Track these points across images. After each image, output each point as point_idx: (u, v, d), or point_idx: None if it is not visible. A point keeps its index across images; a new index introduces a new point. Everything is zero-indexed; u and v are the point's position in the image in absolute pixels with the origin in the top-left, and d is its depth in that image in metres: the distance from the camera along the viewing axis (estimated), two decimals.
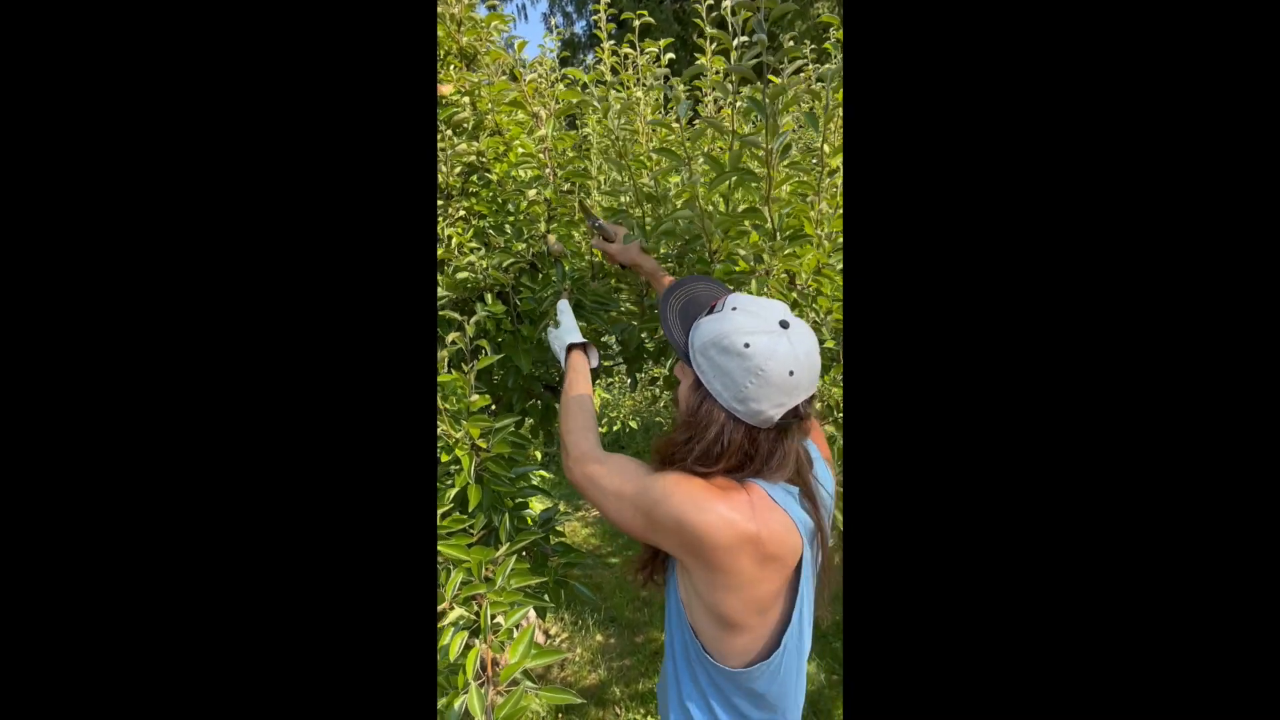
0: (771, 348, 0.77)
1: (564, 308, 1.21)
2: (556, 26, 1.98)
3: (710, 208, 1.14)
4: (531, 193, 1.29)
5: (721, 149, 1.35)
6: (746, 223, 1.13)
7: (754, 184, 1.03)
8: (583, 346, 1.14)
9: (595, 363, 1.17)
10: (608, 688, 2.49)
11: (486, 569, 0.97)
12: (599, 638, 2.86)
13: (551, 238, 1.29)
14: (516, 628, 0.82)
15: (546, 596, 1.00)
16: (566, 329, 1.18)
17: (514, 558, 0.96)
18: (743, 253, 1.09)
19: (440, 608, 0.83)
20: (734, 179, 1.03)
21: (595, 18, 1.71)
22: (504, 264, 1.26)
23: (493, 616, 0.82)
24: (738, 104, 1.15)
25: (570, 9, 10.21)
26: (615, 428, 4.69)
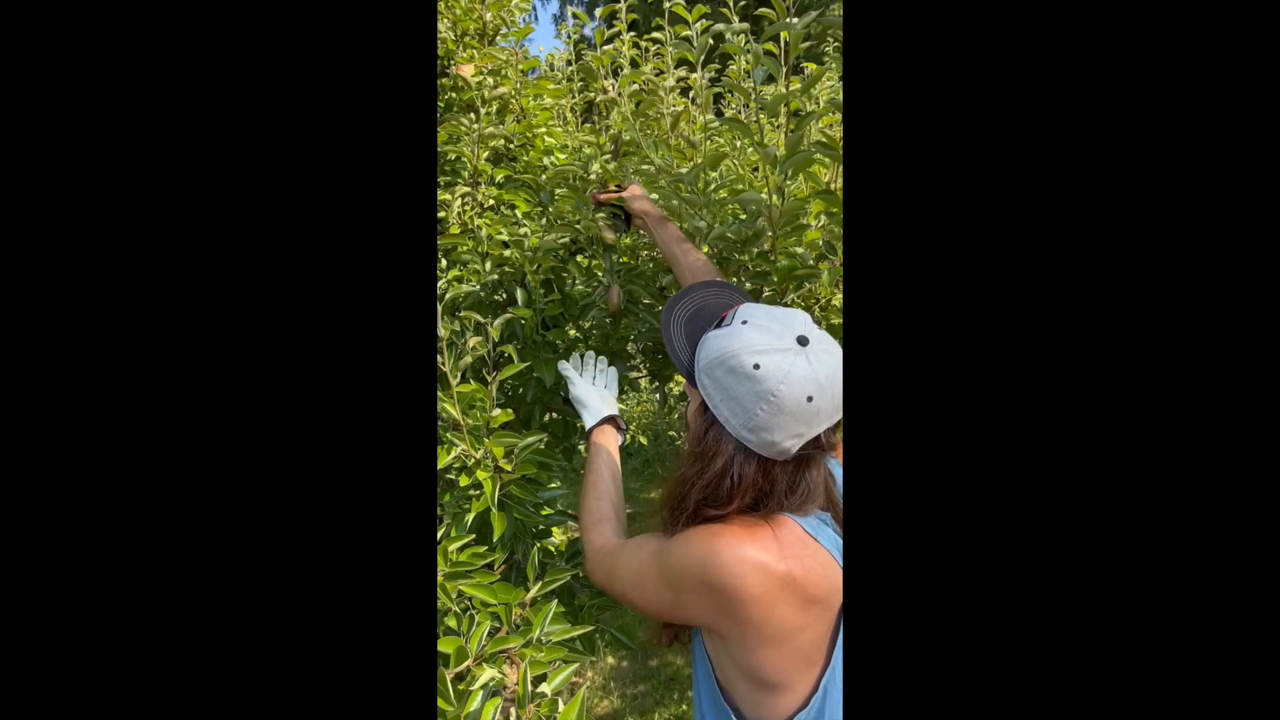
0: (785, 369, 0.65)
1: (571, 377, 1.08)
2: (570, 21, 1.87)
3: (764, 198, 1.01)
4: (562, 190, 1.16)
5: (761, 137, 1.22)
6: (801, 217, 1.00)
7: (827, 163, 0.91)
8: (612, 419, 1.01)
9: (624, 438, 1.04)
10: (622, 717, 2.34)
11: (517, 614, 0.83)
12: (610, 660, 2.72)
13: (603, 222, 1.15)
14: (561, 696, 0.69)
15: (580, 645, 0.87)
16: (593, 394, 1.04)
17: (554, 601, 0.82)
18: (800, 250, 0.97)
19: (464, 665, 0.69)
20: (795, 162, 0.90)
21: (616, 7, 1.61)
22: (556, 242, 1.12)
23: (534, 682, 0.68)
24: (789, 84, 1.03)
25: (582, 9, 10.18)
26: (625, 441, 4.54)
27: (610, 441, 0.98)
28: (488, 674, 0.66)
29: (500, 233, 1.10)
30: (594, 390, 1.06)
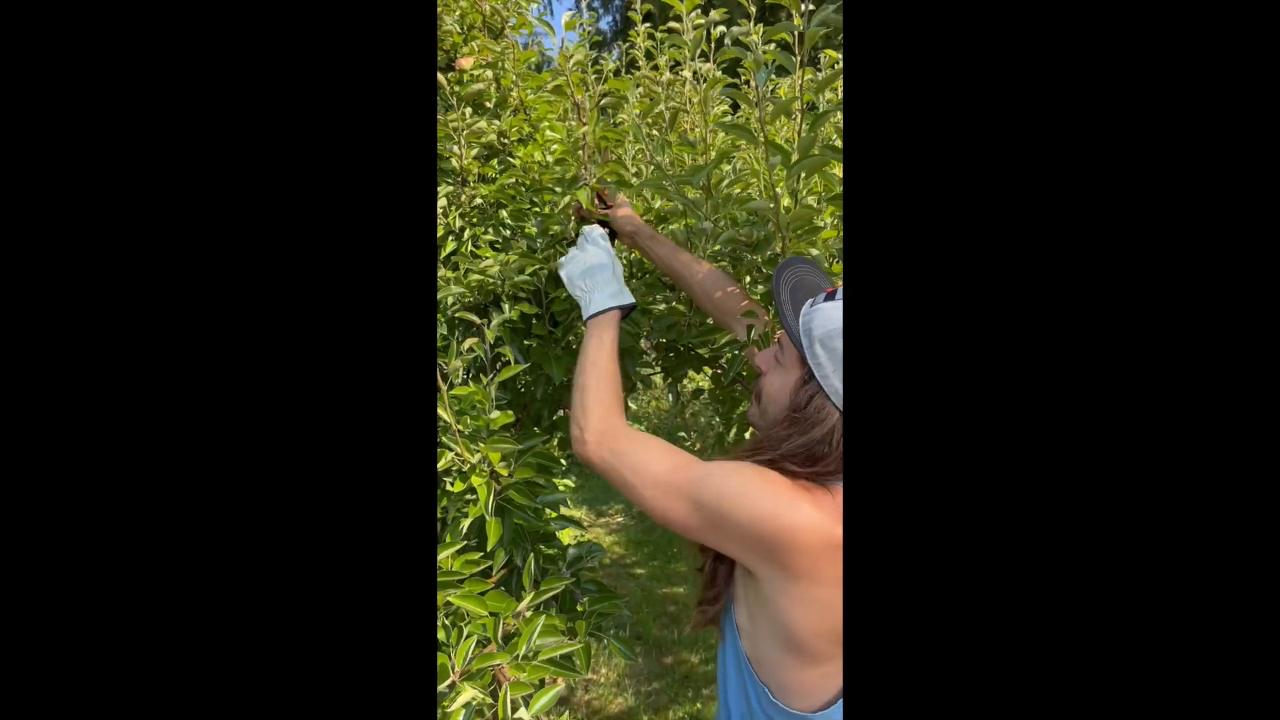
0: None
1: (596, 239, 0.94)
2: (586, 10, 1.83)
3: (773, 203, 0.97)
4: (565, 200, 1.13)
5: (769, 134, 1.17)
6: (816, 219, 0.96)
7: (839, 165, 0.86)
8: (622, 309, 0.90)
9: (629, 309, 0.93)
10: (636, 716, 2.33)
11: (507, 622, 0.81)
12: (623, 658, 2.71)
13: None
14: (545, 717, 0.66)
15: (576, 659, 0.85)
16: (600, 272, 0.92)
17: (543, 616, 0.80)
18: (815, 252, 0.93)
19: (448, 681, 0.68)
20: (807, 165, 0.86)
21: None
22: (527, 269, 1.10)
23: (513, 706, 0.66)
24: (803, 78, 0.98)
25: (596, 4, 10.10)
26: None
27: (615, 334, 0.88)
28: (469, 694, 0.64)
29: (485, 233, 1.07)
30: (610, 270, 0.92)
